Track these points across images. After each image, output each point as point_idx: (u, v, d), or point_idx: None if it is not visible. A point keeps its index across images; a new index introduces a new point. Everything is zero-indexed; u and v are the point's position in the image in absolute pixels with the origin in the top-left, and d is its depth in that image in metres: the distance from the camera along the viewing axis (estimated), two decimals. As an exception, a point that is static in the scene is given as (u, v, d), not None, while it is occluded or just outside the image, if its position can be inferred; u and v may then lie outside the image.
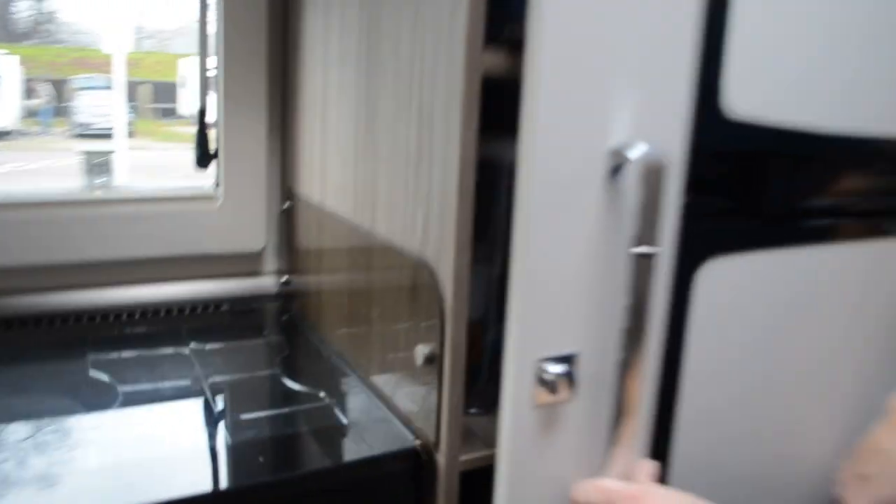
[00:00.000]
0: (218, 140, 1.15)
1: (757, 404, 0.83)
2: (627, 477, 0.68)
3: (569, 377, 0.65)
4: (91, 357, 0.93)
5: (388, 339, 0.82)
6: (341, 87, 0.92)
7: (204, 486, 0.66)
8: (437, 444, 0.70)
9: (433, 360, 0.69)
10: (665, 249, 0.68)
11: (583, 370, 0.66)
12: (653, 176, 0.62)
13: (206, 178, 1.18)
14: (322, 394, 0.86)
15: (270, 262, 1.22)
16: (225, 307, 1.16)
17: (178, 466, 0.70)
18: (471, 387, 0.69)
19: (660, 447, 0.75)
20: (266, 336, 1.13)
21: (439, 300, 0.67)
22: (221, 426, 0.78)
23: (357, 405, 0.84)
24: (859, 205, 0.86)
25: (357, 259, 0.90)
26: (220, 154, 1.15)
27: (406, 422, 0.77)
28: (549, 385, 0.64)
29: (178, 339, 1.03)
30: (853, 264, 0.86)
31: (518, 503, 0.67)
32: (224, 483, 0.69)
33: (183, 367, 0.94)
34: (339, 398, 0.86)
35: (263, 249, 1.20)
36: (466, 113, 0.62)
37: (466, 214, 0.64)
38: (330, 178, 0.98)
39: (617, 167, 0.63)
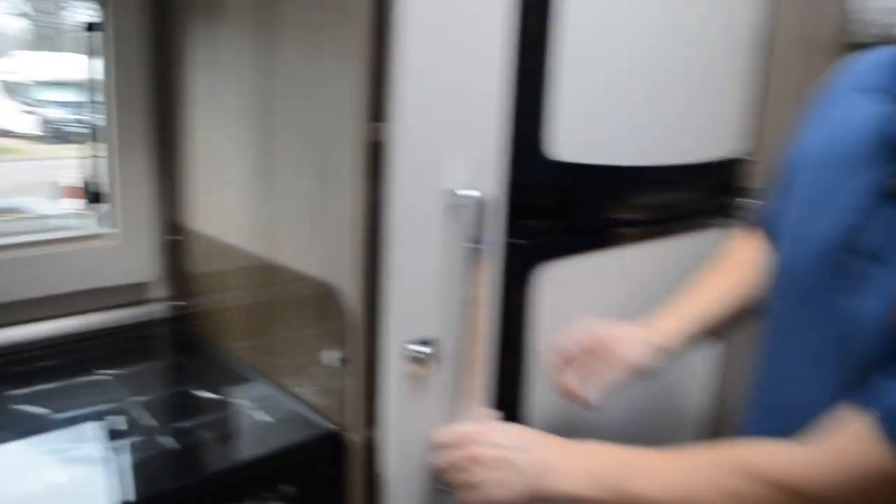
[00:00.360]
0: (110, 182, 1.27)
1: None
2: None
3: (432, 355, 0.87)
4: (9, 392, 1.03)
5: (296, 346, 1.00)
6: (236, 140, 1.08)
7: (151, 489, 0.81)
8: (348, 426, 0.90)
9: (344, 362, 0.88)
10: (492, 250, 0.91)
11: (442, 349, 0.88)
12: (478, 206, 0.86)
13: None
14: (240, 399, 1.02)
15: (163, 290, 1.35)
16: (127, 334, 1.27)
17: (123, 475, 0.84)
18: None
19: (505, 401, 0.99)
20: (171, 356, 1.26)
21: (343, 312, 0.87)
22: (149, 438, 0.91)
23: (273, 404, 1.01)
24: (650, 215, 1.15)
25: (260, 282, 1.07)
26: (113, 195, 1.27)
27: (319, 412, 0.95)
28: (417, 361, 0.86)
29: (89, 367, 1.14)
30: (652, 259, 1.15)
31: (401, 455, 0.89)
32: (167, 483, 0.83)
33: (103, 392, 1.06)
34: (256, 401, 1.02)
35: (157, 279, 1.33)
36: (365, 172, 0.83)
37: (367, 246, 0.85)
38: (227, 216, 1.14)
39: (455, 201, 0.86)
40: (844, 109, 0.81)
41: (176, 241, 1.30)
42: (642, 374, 0.94)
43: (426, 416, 0.90)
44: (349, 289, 0.87)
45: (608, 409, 0.97)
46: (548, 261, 0.98)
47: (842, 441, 0.67)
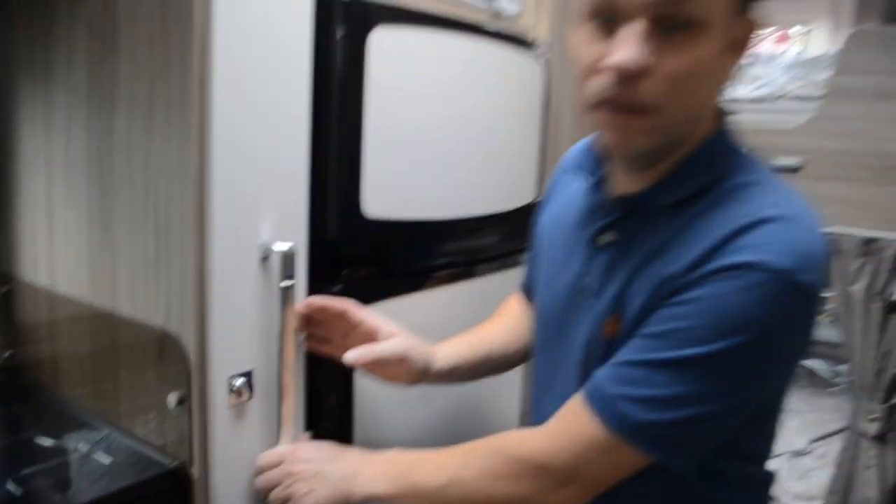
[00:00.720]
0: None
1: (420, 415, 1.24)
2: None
3: (249, 385, 1.00)
4: None
5: (134, 390, 1.07)
6: (70, 196, 1.14)
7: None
8: (191, 462, 0.99)
9: (183, 402, 0.98)
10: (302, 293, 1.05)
11: (258, 379, 1.02)
12: (286, 257, 1.00)
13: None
14: (80, 444, 1.08)
15: (-8, 339, 1.36)
16: (-46, 386, 1.28)
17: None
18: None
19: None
20: (7, 405, 1.28)
21: (183, 356, 0.96)
22: None
23: (115, 447, 1.07)
24: (458, 259, 1.32)
25: (99, 331, 1.13)
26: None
27: (161, 451, 1.03)
28: (236, 392, 0.99)
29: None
30: (460, 298, 1.32)
31: (230, 482, 1.00)
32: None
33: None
34: (97, 444, 1.08)
35: (-15, 329, 1.34)
36: (196, 229, 0.93)
37: (199, 294, 0.95)
38: (61, 267, 1.19)
39: (266, 254, 1.00)
40: (564, 186, 1.06)
41: (7, 291, 1.32)
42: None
43: (251, 443, 1.03)
44: (186, 334, 0.97)
45: (419, 423, 1.12)
46: (365, 304, 1.12)
47: (566, 418, 0.88)
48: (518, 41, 1.38)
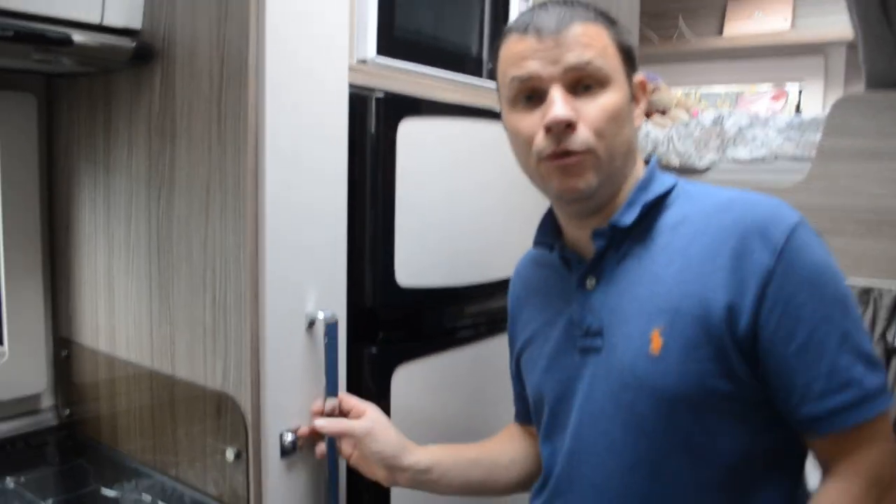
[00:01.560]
0: (0, 304, 1.41)
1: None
2: None
3: (296, 441, 1.12)
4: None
5: (196, 446, 1.19)
6: (131, 271, 1.28)
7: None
8: (247, 510, 1.10)
9: (239, 455, 1.09)
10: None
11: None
12: (331, 326, 1.13)
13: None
14: (143, 495, 1.19)
15: (50, 400, 1.49)
16: (23, 443, 1.40)
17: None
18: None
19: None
20: (70, 461, 1.40)
21: (240, 415, 1.08)
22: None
23: (175, 497, 1.19)
24: (480, 319, 1.45)
25: (159, 393, 1.25)
26: (3, 316, 1.41)
27: (219, 500, 1.14)
28: (286, 446, 1.11)
29: (-7, 477, 1.27)
30: (485, 353, 1.44)
31: None
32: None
33: (10, 499, 1.20)
34: (159, 495, 1.20)
35: (48, 390, 1.47)
36: (252, 303, 1.06)
37: (253, 360, 1.07)
38: (121, 334, 1.32)
39: (312, 322, 1.13)
40: (524, 266, 1.22)
41: (66, 355, 1.45)
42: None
43: (300, 492, 1.15)
44: (242, 395, 1.09)
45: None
46: (404, 363, 1.25)
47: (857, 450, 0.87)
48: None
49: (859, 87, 1.87)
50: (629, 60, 0.98)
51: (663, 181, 1.01)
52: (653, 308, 0.92)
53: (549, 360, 1.06)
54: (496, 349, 1.48)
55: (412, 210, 1.24)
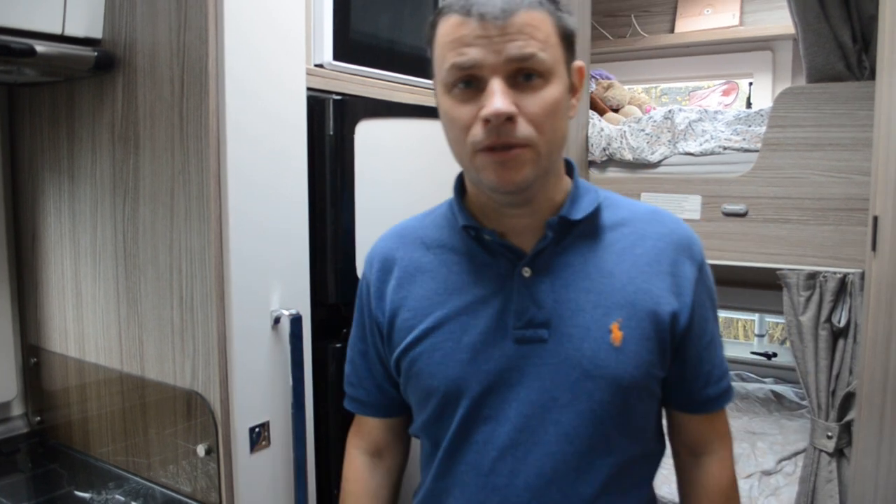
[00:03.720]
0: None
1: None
2: None
3: (266, 434, 1.16)
4: None
5: (161, 444, 1.22)
6: (98, 276, 1.30)
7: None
8: (220, 503, 1.13)
9: (210, 451, 1.13)
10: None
11: (274, 429, 1.18)
12: (295, 322, 1.17)
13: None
14: (116, 495, 1.22)
15: (20, 407, 1.51)
16: (-5, 450, 1.42)
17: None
18: (235, 463, 1.15)
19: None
20: (43, 465, 1.41)
21: (212, 413, 1.12)
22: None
23: (149, 495, 1.22)
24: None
25: (129, 395, 1.28)
26: (-29, 327, 1.43)
27: (191, 497, 1.18)
28: (258, 441, 1.14)
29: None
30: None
31: None
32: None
33: (-15, 503, 1.22)
34: (132, 495, 1.23)
35: (16, 398, 1.49)
36: (218, 302, 1.10)
37: (220, 358, 1.11)
38: (90, 338, 1.34)
39: (277, 319, 1.17)
40: (395, 246, 1.12)
41: (35, 362, 1.47)
42: None
43: (270, 483, 1.19)
44: (212, 392, 1.12)
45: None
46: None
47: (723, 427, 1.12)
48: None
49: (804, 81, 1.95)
50: (570, 47, 0.95)
51: (587, 183, 1.07)
52: (609, 302, 0.97)
53: (471, 350, 0.99)
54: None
55: (372, 208, 1.28)
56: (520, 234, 1.01)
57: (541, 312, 0.97)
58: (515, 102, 0.89)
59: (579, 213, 1.00)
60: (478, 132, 0.90)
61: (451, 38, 0.91)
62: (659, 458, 1.10)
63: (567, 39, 0.94)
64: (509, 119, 0.88)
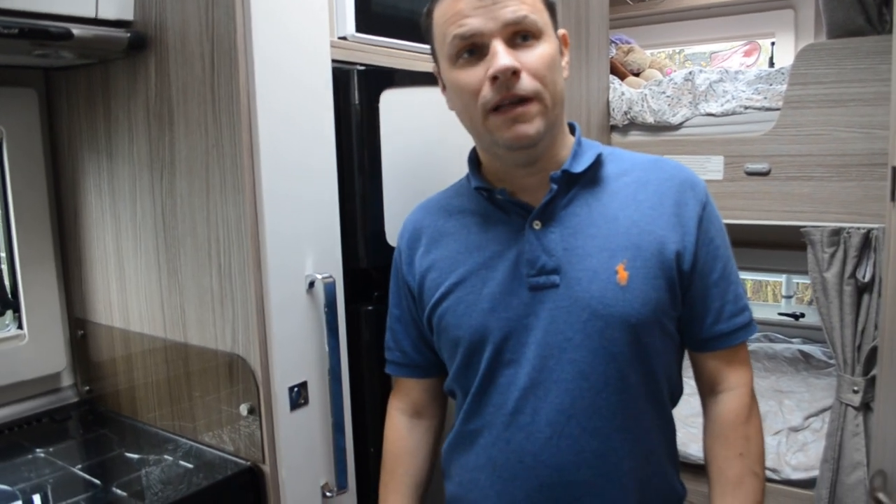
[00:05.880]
0: (18, 291, 1.49)
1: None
2: None
3: (305, 393, 1.22)
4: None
5: (204, 407, 1.29)
6: (138, 248, 1.36)
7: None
8: (262, 460, 1.20)
9: (253, 411, 1.19)
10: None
11: (311, 389, 1.23)
12: (329, 286, 1.22)
13: None
14: (165, 455, 1.29)
15: (70, 378, 1.58)
16: (50, 418, 1.49)
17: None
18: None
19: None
20: (95, 431, 1.48)
21: (253, 374, 1.18)
22: (98, 492, 1.18)
23: (195, 455, 1.28)
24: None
25: (173, 361, 1.34)
26: (21, 302, 1.50)
27: (235, 454, 1.24)
28: (295, 399, 1.20)
29: (25, 448, 1.36)
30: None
31: (289, 473, 1.22)
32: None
33: (43, 465, 1.29)
34: (180, 455, 1.29)
35: (67, 368, 1.56)
36: (253, 269, 1.15)
37: (259, 322, 1.16)
38: (134, 309, 1.41)
39: (311, 283, 1.22)
40: (423, 216, 1.24)
41: (83, 334, 1.54)
42: None
43: (309, 440, 1.25)
44: (252, 355, 1.18)
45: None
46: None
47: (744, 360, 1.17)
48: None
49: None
50: (554, 15, 1.06)
51: (590, 141, 1.14)
52: (614, 245, 1.04)
53: (492, 300, 1.07)
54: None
55: (398, 174, 1.33)
56: (529, 192, 1.09)
57: (551, 260, 1.05)
58: (517, 59, 0.98)
59: (580, 166, 1.08)
60: (487, 92, 0.99)
61: (450, 14, 1.01)
62: (676, 402, 1.16)
63: (550, 8, 1.06)
64: (514, 74, 0.97)
